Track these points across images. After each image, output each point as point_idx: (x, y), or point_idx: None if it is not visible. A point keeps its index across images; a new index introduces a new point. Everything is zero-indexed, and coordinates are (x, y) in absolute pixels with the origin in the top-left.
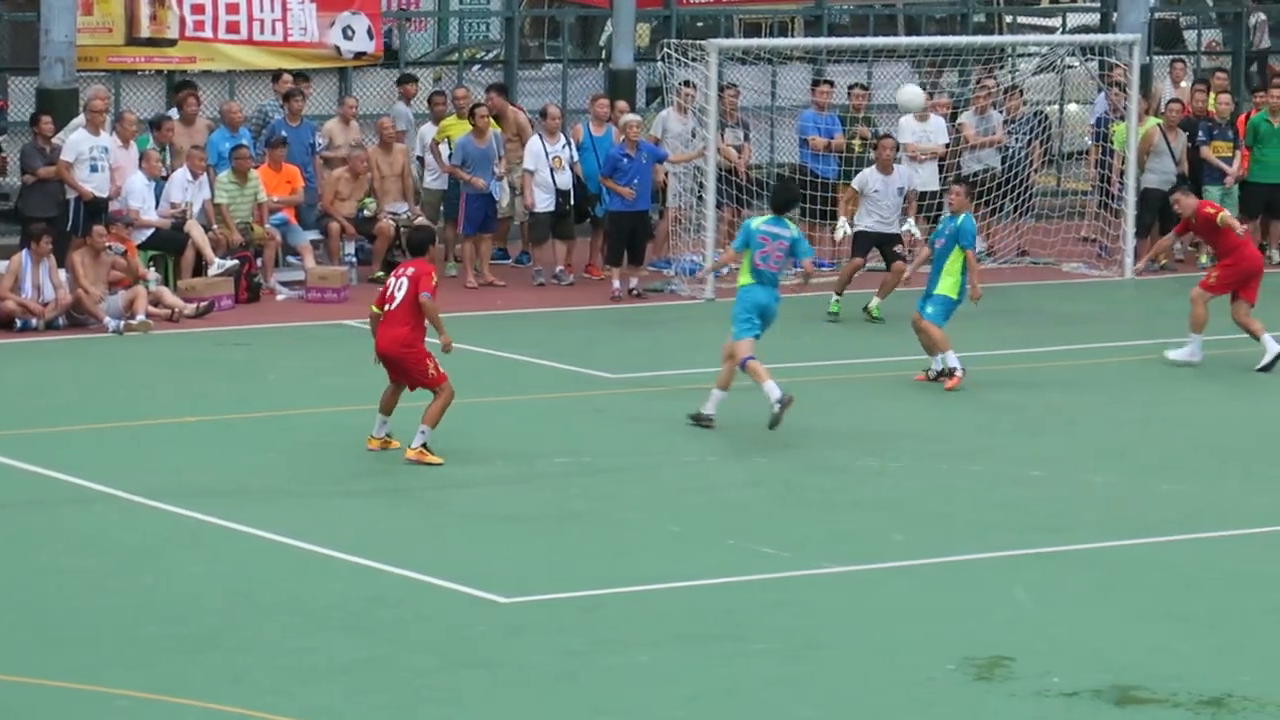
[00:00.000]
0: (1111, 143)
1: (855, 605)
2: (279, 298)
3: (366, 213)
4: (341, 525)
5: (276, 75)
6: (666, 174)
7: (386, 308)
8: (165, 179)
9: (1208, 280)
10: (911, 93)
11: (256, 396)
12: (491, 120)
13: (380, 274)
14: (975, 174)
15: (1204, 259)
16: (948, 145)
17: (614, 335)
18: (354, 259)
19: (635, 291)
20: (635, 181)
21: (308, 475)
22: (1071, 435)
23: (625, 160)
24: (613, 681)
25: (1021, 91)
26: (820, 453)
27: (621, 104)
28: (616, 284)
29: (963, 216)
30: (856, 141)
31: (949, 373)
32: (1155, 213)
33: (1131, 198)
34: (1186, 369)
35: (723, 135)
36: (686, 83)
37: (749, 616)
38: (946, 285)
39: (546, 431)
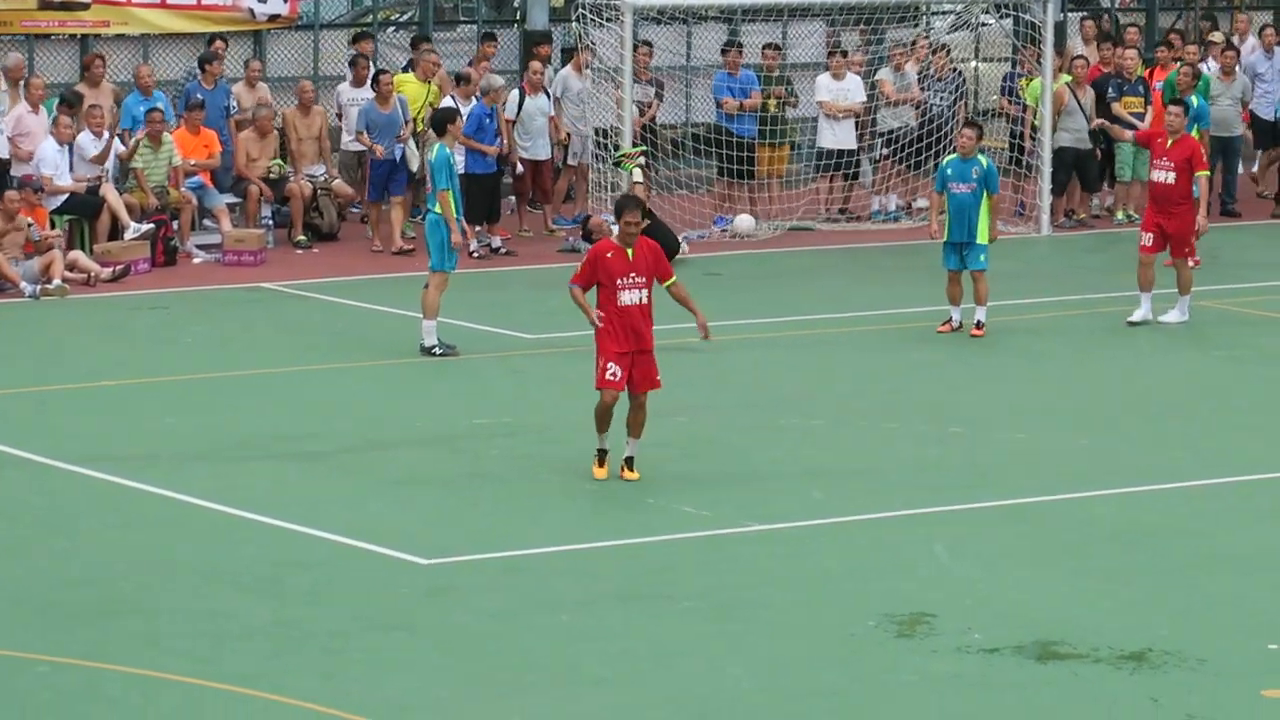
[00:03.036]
0: (1024, 99)
1: (779, 564)
2: (195, 261)
3: (273, 175)
4: (256, 488)
5: (210, 39)
6: (568, 133)
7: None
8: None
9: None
10: (746, 223)
11: (172, 360)
12: (400, 85)
13: (302, 238)
14: (893, 131)
15: (1120, 215)
16: (864, 103)
17: (532, 296)
18: (271, 222)
19: (502, 250)
20: (499, 140)
21: (222, 439)
22: (991, 392)
23: (488, 120)
24: (538, 641)
25: (949, 50)
26: (739, 412)
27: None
28: (474, 244)
29: (984, 159)
30: (772, 101)
31: (979, 324)
32: (1070, 170)
33: (1047, 154)
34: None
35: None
36: (584, 43)
37: (674, 575)
38: (984, 231)
39: (464, 393)
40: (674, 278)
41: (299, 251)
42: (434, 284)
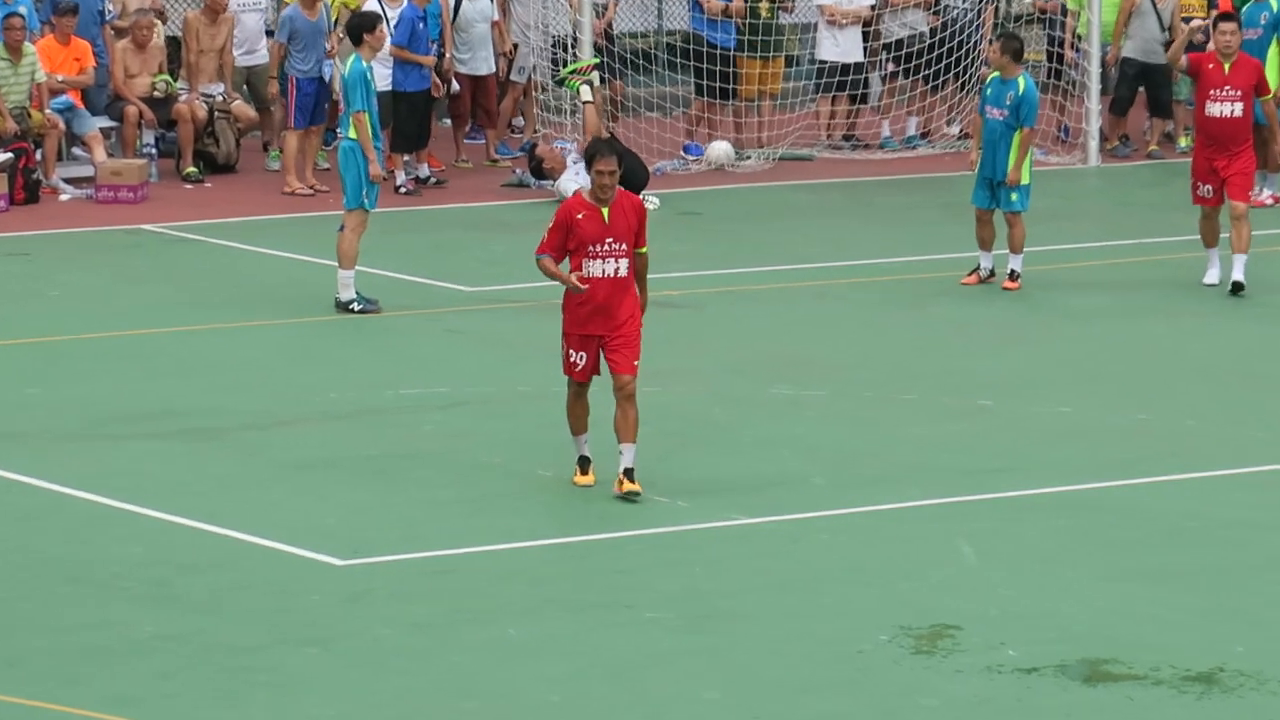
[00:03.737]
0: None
1: (767, 565)
2: (63, 198)
3: (158, 93)
4: (137, 474)
5: None
6: (515, 43)
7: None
8: None
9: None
10: (721, 151)
11: (36, 318)
12: None
13: (193, 170)
14: (900, 41)
15: (1184, 142)
16: (872, 7)
17: (470, 239)
18: (154, 150)
19: (432, 182)
20: (433, 46)
21: (97, 414)
22: (1027, 357)
23: (421, 25)
24: (475, 660)
25: None
26: (724, 380)
27: None
28: (401, 176)
29: (1022, 82)
30: (763, 5)
31: (1013, 275)
32: (1134, 87)
33: (1095, 67)
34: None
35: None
36: None
37: (639, 579)
38: (1016, 168)
39: (389, 356)
40: (645, 248)
41: (188, 186)
42: (350, 226)
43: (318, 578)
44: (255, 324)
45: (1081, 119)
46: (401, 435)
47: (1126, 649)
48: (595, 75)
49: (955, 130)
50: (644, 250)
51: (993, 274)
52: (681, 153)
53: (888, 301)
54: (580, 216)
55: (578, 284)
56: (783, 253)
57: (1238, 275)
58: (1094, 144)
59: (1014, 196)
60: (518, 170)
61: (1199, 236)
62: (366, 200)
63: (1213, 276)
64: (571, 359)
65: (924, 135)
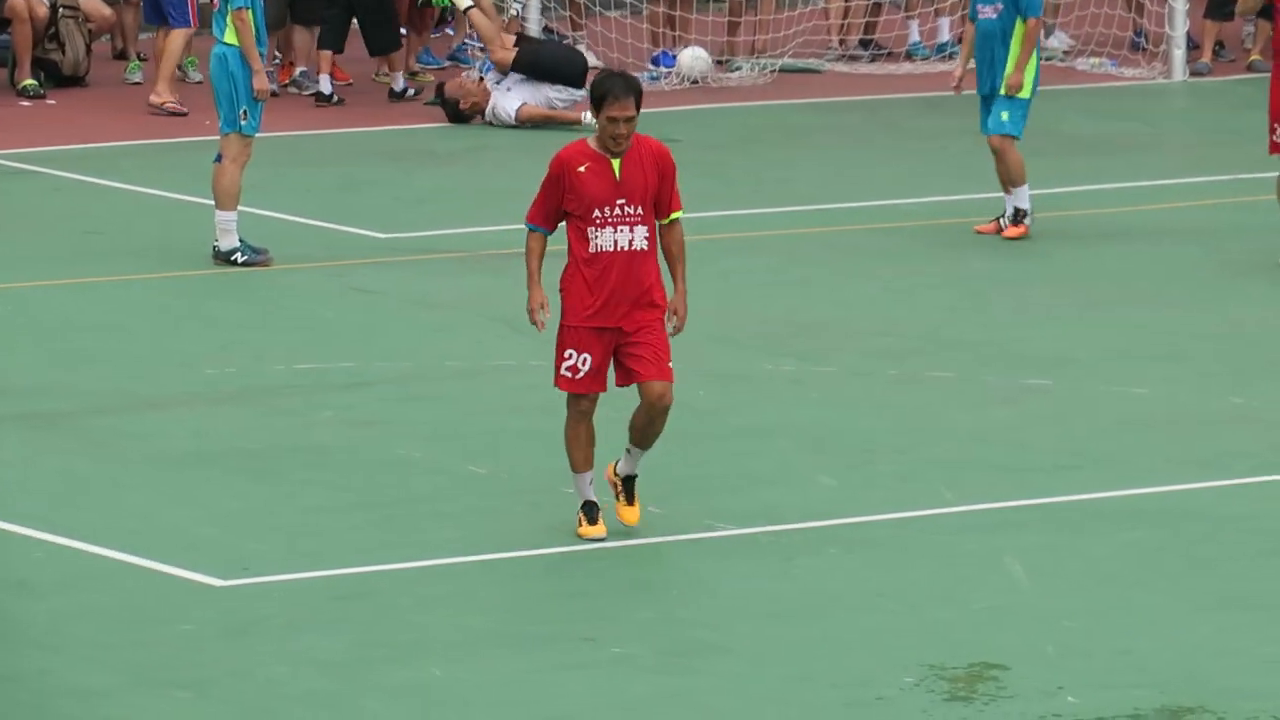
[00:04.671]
0: None
1: (761, 587)
2: None
3: None
4: None
5: None
6: None
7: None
8: None
9: None
10: (695, 61)
11: None
12: None
13: (29, 84)
14: None
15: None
16: None
17: (387, 173)
18: None
19: (335, 99)
20: None
21: None
22: (1095, 323)
23: None
24: (391, 708)
25: None
26: (707, 353)
27: None
28: (325, 80)
29: None
30: None
31: (1017, 216)
32: None
33: None
34: None
35: None
36: None
37: (600, 606)
38: (1028, 81)
39: (281, 322)
40: (680, 211)
41: (25, 103)
42: (230, 155)
43: (191, 603)
44: (110, 279)
45: (1163, 20)
46: (296, 423)
47: (1217, 695)
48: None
49: None
50: (677, 216)
51: (1021, 216)
52: (649, 64)
53: (916, 253)
54: (582, 170)
55: (535, 318)
56: (783, 190)
57: None
58: (1179, 53)
59: (1005, 115)
60: (410, 89)
61: (1276, 197)
62: (245, 122)
63: None
64: (569, 361)
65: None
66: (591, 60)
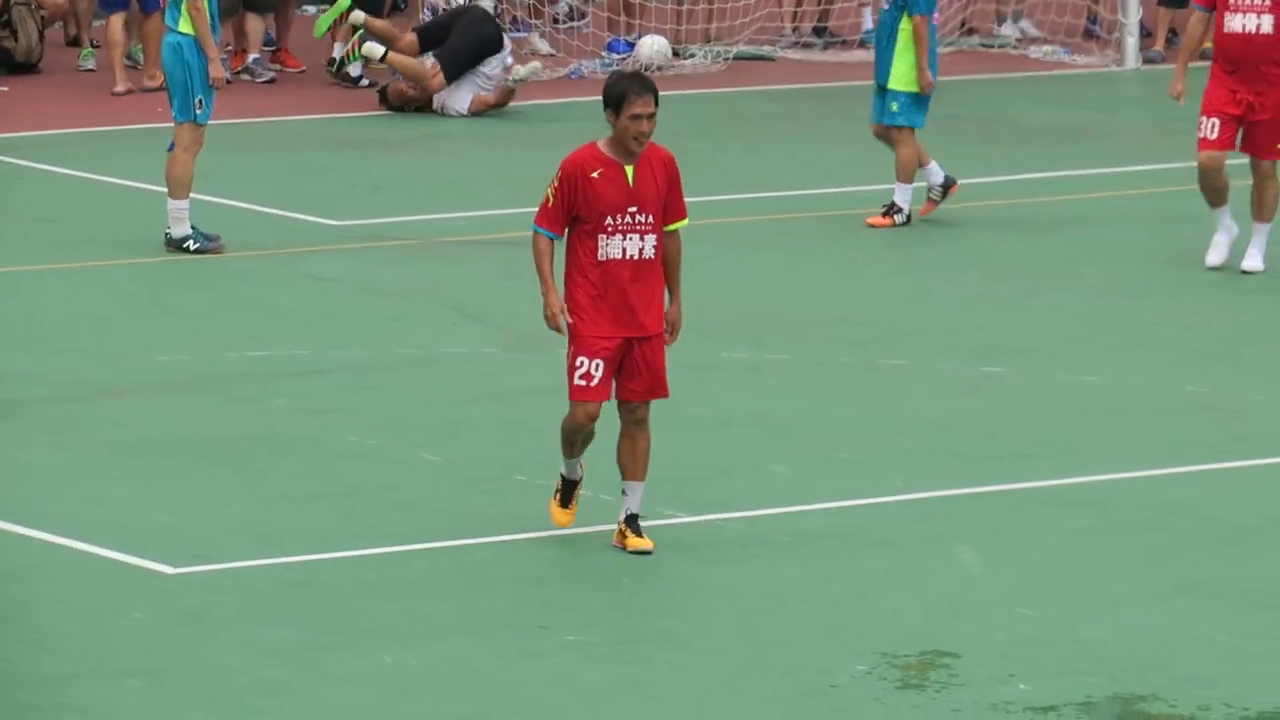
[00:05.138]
0: None
1: (714, 575)
2: None
3: None
4: None
5: None
6: None
7: None
8: None
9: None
10: (654, 48)
11: None
12: None
13: None
14: None
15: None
16: None
17: (340, 162)
18: None
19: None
20: None
21: None
22: (1050, 311)
23: None
24: (344, 695)
25: None
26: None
27: None
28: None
29: None
30: None
31: (889, 210)
32: None
33: None
34: None
35: None
36: None
37: (553, 593)
38: (902, 72)
39: (234, 310)
40: (684, 220)
41: None
42: (182, 144)
43: (144, 591)
44: (64, 266)
45: (1117, 8)
46: (251, 411)
47: (1170, 683)
48: (357, 14)
49: (959, 19)
50: (681, 225)
51: (949, 186)
52: (605, 51)
53: (870, 241)
54: (595, 175)
55: (560, 319)
56: (736, 178)
57: (1252, 261)
58: (1133, 40)
59: (894, 106)
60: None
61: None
62: (199, 111)
63: (1217, 255)
64: (581, 369)
65: None
66: (545, 48)
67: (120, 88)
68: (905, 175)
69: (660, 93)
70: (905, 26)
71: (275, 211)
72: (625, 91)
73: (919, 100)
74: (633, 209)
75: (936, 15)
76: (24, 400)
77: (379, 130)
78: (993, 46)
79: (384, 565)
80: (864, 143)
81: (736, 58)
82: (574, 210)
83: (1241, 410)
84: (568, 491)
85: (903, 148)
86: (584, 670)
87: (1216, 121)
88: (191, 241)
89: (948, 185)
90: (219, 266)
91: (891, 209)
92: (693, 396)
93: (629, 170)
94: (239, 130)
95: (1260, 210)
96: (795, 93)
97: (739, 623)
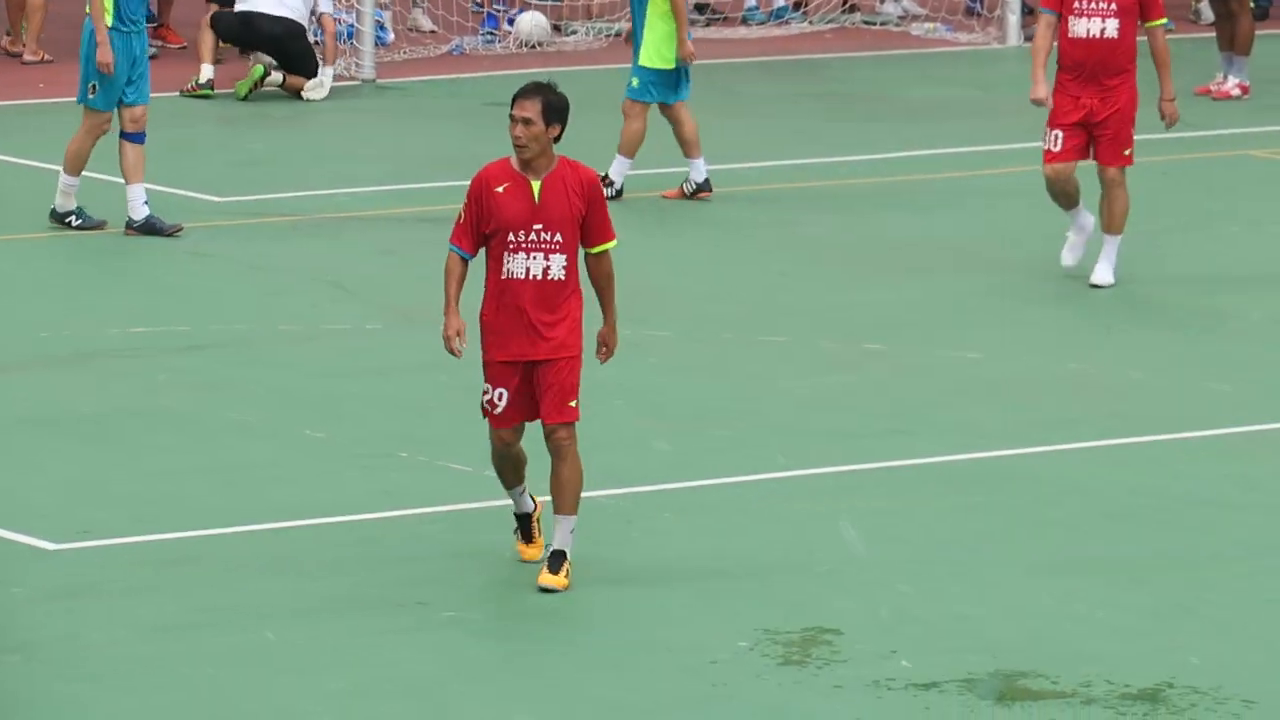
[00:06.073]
0: None
1: (597, 550)
2: None
3: None
4: None
5: None
6: None
7: None
8: None
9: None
10: (532, 24)
11: None
12: None
13: None
14: None
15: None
16: None
17: (220, 136)
18: None
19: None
20: None
21: None
22: (931, 288)
23: None
24: (225, 672)
25: None
26: None
27: None
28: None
29: None
30: None
31: (605, 181)
32: None
33: None
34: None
35: None
36: None
37: (433, 570)
38: (653, 47)
39: (115, 286)
40: (611, 242)
41: None
42: (83, 126)
43: (21, 566)
44: None
45: None
46: (131, 387)
47: (1052, 660)
48: (275, 76)
49: None
50: (608, 246)
51: (701, 188)
52: (482, 27)
53: (752, 218)
54: (500, 190)
55: (453, 346)
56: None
57: (1102, 275)
58: (1014, 18)
59: (634, 81)
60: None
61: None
62: (92, 97)
63: (1071, 256)
64: (487, 396)
65: (798, 5)
66: (428, 24)
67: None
68: (626, 147)
69: (541, 69)
70: (656, 1)
71: (157, 188)
72: (514, 95)
73: (668, 75)
74: (537, 226)
75: None
76: None
77: (259, 106)
78: (875, 24)
79: (263, 542)
80: (747, 119)
81: (618, 34)
82: (483, 226)
83: (1120, 387)
84: (524, 526)
85: (635, 121)
86: (465, 646)
87: (1059, 134)
88: (74, 218)
89: (700, 188)
90: (100, 243)
91: (609, 182)
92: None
93: (535, 186)
94: None
95: (1110, 221)
96: None
97: (621, 598)
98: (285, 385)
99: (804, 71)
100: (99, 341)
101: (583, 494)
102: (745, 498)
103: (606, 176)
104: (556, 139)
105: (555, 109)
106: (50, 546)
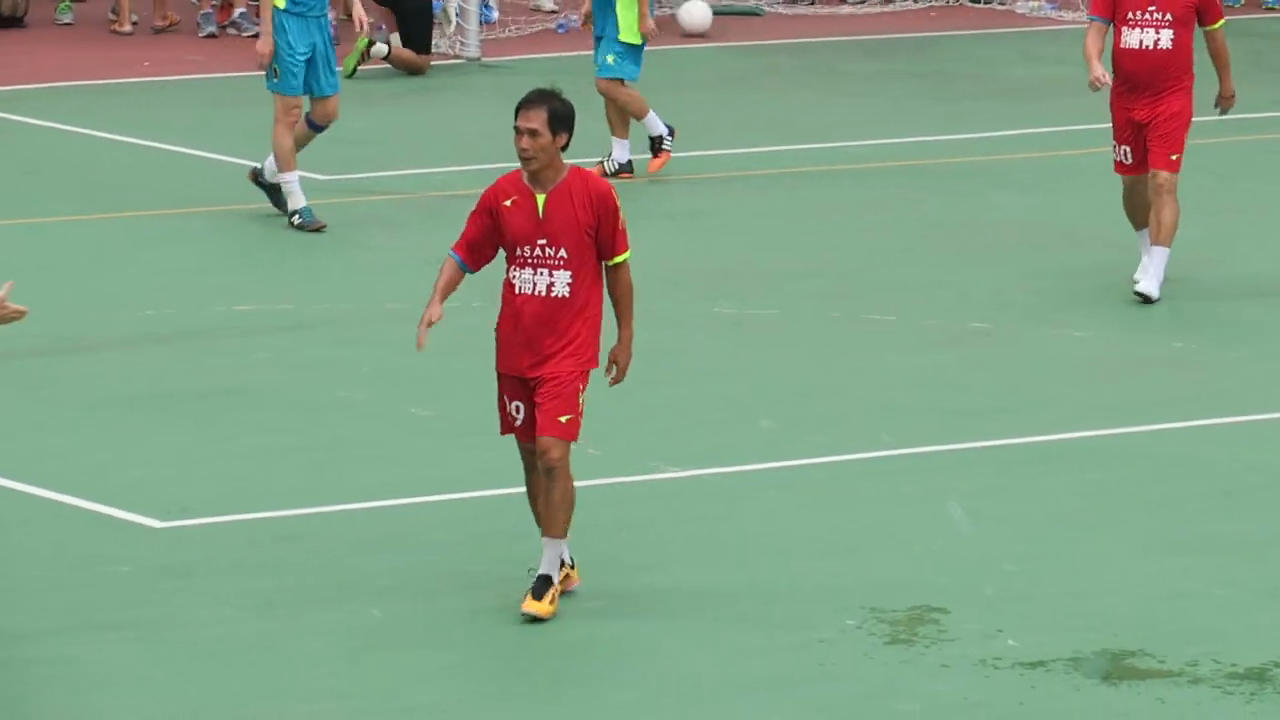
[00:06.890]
0: None
1: (700, 530)
2: None
3: None
4: None
5: None
6: None
7: None
8: None
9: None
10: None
11: None
12: None
13: None
14: None
15: None
16: None
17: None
18: None
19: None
20: None
21: None
22: (1037, 267)
23: None
24: (329, 649)
25: None
26: (648, 295)
27: None
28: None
29: None
30: None
31: (656, 145)
32: None
33: None
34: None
35: None
36: None
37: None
38: (628, 24)
39: (216, 264)
40: (625, 254)
41: None
42: (275, 115)
43: (128, 544)
44: (47, 220)
45: None
46: (233, 365)
47: (1160, 639)
48: (379, 47)
49: None
50: (622, 259)
51: (624, 168)
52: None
53: (856, 196)
54: (508, 204)
55: (419, 331)
56: (722, 134)
57: (1148, 286)
58: None
59: (610, 59)
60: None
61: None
62: (275, 80)
63: (1143, 276)
64: (507, 409)
65: None
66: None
67: (125, 27)
68: (641, 111)
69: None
70: None
71: (256, 165)
72: (518, 105)
73: (635, 52)
74: (541, 241)
75: None
76: (1, 354)
77: (362, 84)
78: (979, 2)
79: (368, 521)
80: (848, 97)
81: (718, 13)
82: (494, 240)
83: (1227, 365)
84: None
85: (621, 92)
86: (569, 623)
87: (1127, 149)
88: (297, 216)
89: (658, 145)
90: (205, 222)
91: (658, 142)
92: (678, 350)
93: (540, 200)
94: (226, 84)
95: (1158, 232)
96: (778, 48)
97: (726, 577)
98: (390, 363)
99: (907, 50)
100: (202, 319)
101: (688, 472)
102: (850, 476)
103: (657, 139)
104: (564, 147)
105: (561, 117)
106: (156, 524)
